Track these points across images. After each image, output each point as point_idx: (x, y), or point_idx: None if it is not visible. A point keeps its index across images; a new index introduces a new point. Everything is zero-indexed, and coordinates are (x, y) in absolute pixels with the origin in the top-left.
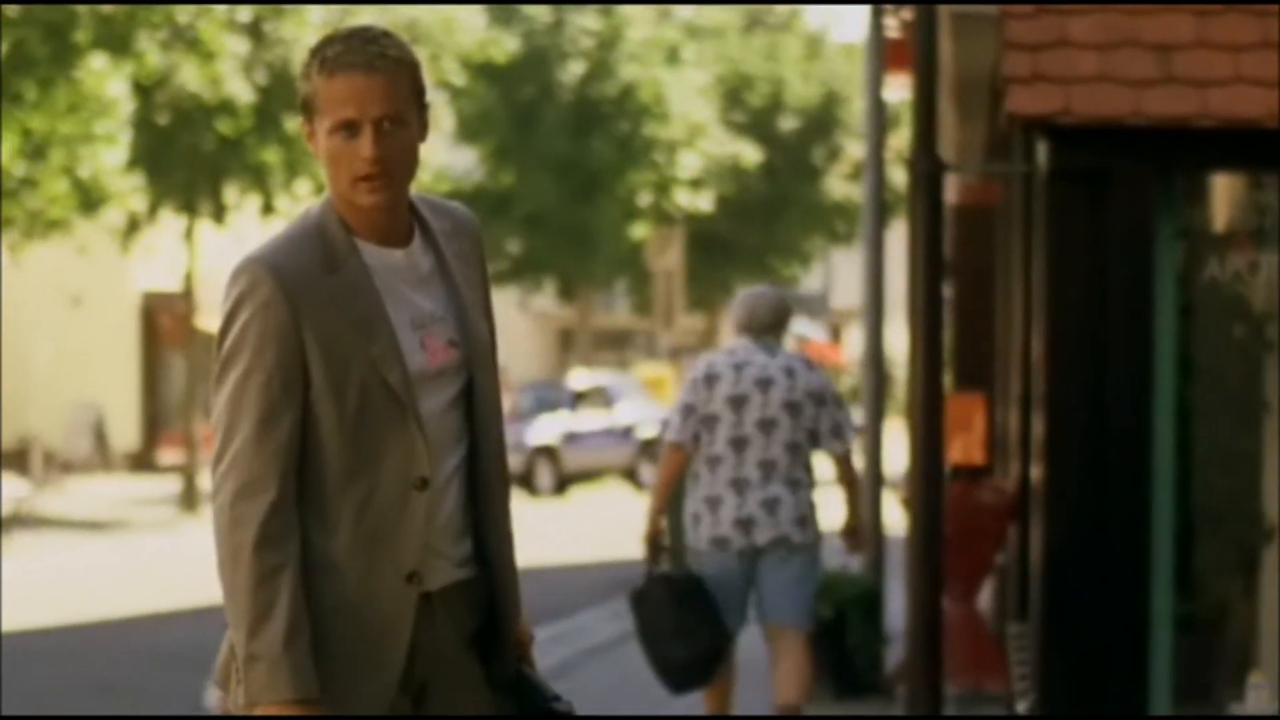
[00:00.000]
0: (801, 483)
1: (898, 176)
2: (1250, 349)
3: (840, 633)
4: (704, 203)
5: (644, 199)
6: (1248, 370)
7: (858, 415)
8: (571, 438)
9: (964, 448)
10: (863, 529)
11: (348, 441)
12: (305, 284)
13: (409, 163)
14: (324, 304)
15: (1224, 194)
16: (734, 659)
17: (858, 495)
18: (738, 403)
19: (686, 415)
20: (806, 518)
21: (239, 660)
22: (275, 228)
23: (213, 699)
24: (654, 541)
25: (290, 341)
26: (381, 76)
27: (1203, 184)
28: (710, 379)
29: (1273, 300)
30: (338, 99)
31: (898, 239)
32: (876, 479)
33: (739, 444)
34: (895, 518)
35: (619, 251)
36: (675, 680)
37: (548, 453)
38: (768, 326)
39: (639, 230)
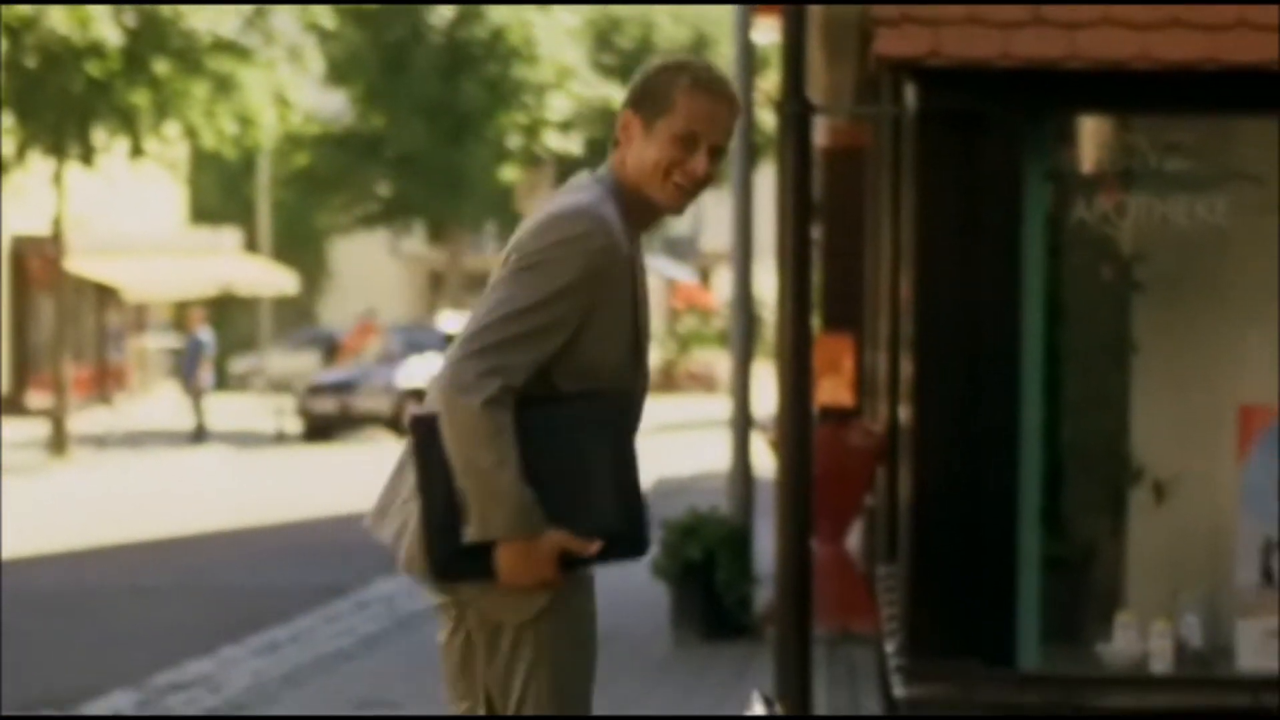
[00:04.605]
0: None
1: (767, 119)
2: (1118, 290)
3: (709, 574)
4: (574, 145)
5: (514, 141)
6: (1116, 312)
7: (728, 358)
8: None
9: (832, 390)
10: None
11: (604, 383)
12: (620, 249)
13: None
14: (623, 270)
15: (1092, 136)
16: None
17: None
18: None
19: None
20: None
21: (476, 502)
22: (144, 170)
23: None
24: None
25: (593, 291)
26: (734, 115)
27: (1071, 126)
28: None
29: (1140, 242)
30: (695, 114)
31: (767, 182)
32: (745, 421)
33: None
34: (764, 460)
35: (489, 194)
36: None
37: (418, 395)
38: None
39: (509, 173)
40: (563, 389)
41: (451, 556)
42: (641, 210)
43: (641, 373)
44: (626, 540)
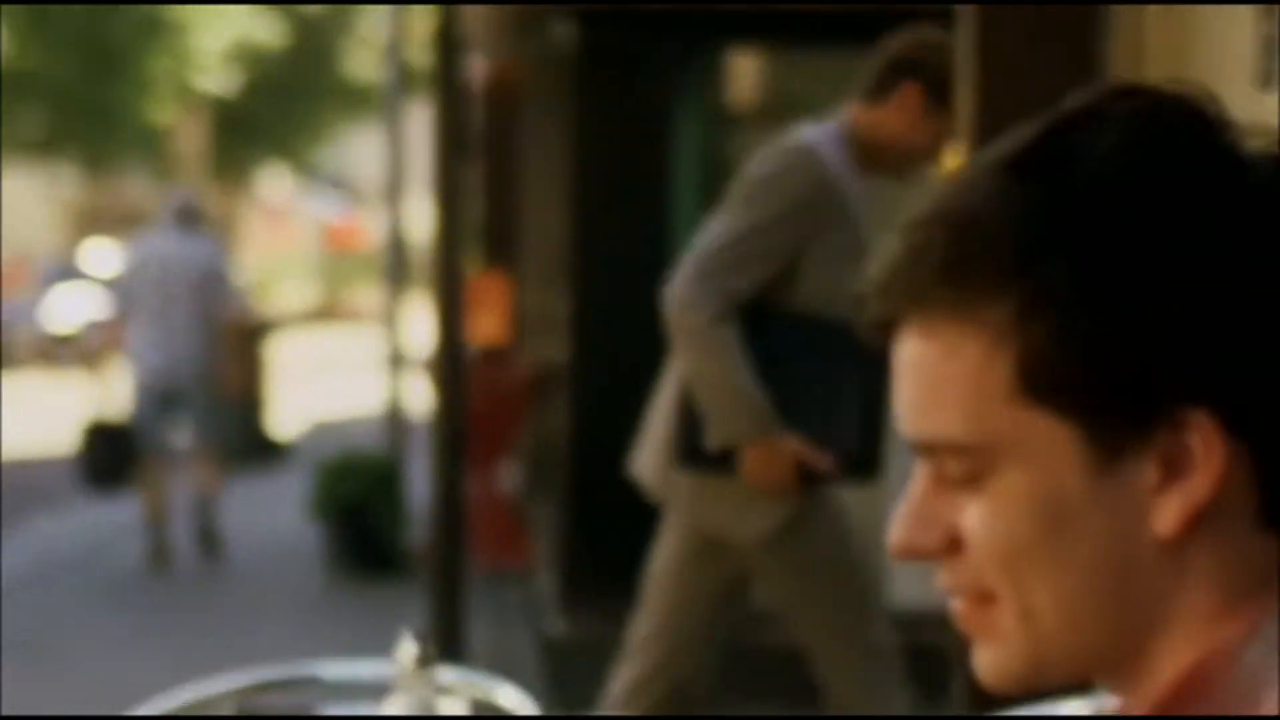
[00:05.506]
0: (205, 341)
1: (424, 55)
2: None
3: (363, 513)
4: (226, 82)
5: (167, 79)
6: None
7: (380, 294)
8: None
9: (488, 326)
10: (234, 372)
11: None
12: (832, 185)
13: None
14: (837, 205)
15: (747, 74)
16: (161, 473)
17: (234, 346)
18: (159, 277)
19: (120, 287)
20: (207, 371)
21: (715, 409)
22: None
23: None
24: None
25: (805, 221)
26: None
27: (726, 64)
28: (139, 259)
29: None
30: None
31: (424, 118)
32: (397, 360)
33: (159, 309)
34: (417, 398)
35: (141, 132)
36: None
37: (66, 336)
38: (185, 219)
39: (162, 110)
40: (803, 312)
41: (695, 453)
42: (872, 163)
43: None
44: (861, 463)
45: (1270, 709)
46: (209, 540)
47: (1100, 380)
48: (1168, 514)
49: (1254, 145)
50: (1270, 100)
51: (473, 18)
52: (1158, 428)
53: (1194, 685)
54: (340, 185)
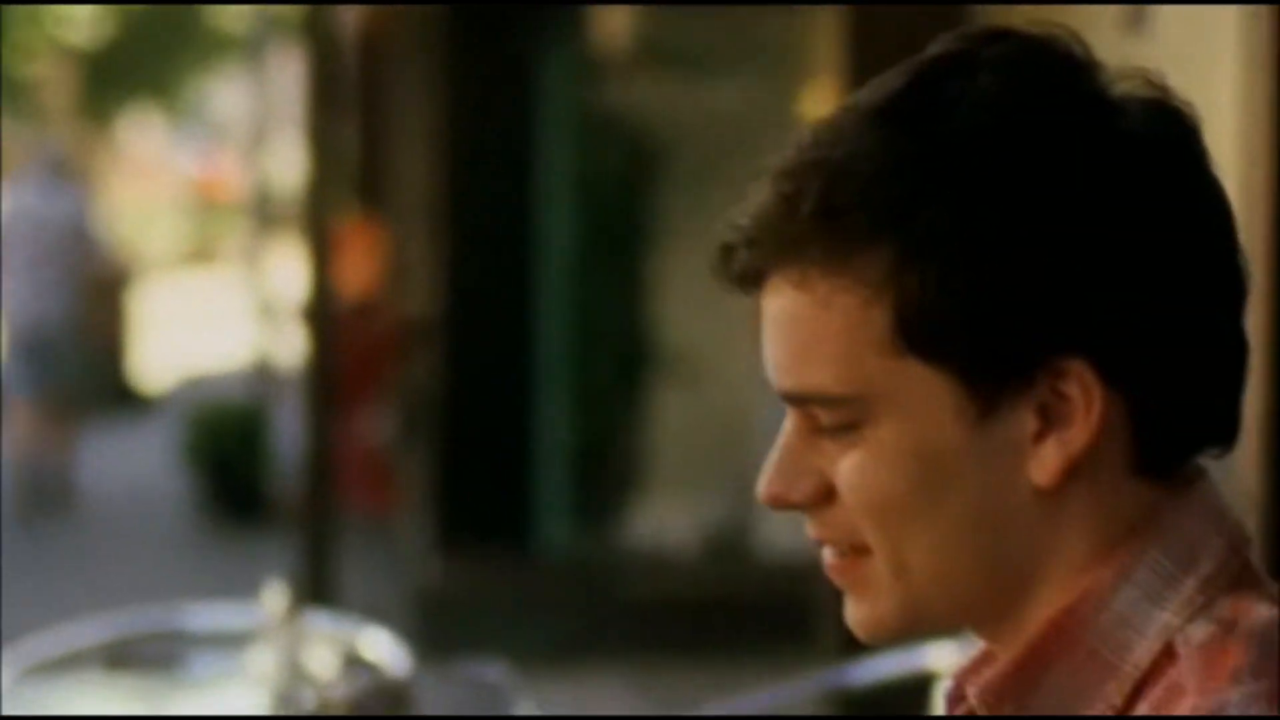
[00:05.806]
0: (72, 292)
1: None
2: (646, 174)
3: (229, 463)
4: (92, 31)
5: (31, 29)
6: (643, 196)
7: (248, 243)
8: None
9: (358, 275)
10: (99, 322)
11: None
12: None
13: None
14: None
15: (617, 19)
16: (31, 423)
17: (99, 297)
18: (26, 230)
19: None
20: (74, 322)
21: None
22: None
23: None
24: None
25: None
26: None
27: (597, 11)
28: (6, 212)
29: (665, 126)
30: None
31: (297, 66)
32: (264, 307)
33: (28, 261)
34: (284, 346)
35: (8, 84)
36: None
37: None
38: (53, 171)
39: (28, 62)
40: None
41: None
42: None
43: None
44: None
45: (1141, 656)
46: (62, 491)
47: (979, 330)
48: (1046, 464)
49: (1122, 88)
50: (1138, 44)
51: None
52: (1036, 377)
53: (1062, 629)
54: (209, 133)
